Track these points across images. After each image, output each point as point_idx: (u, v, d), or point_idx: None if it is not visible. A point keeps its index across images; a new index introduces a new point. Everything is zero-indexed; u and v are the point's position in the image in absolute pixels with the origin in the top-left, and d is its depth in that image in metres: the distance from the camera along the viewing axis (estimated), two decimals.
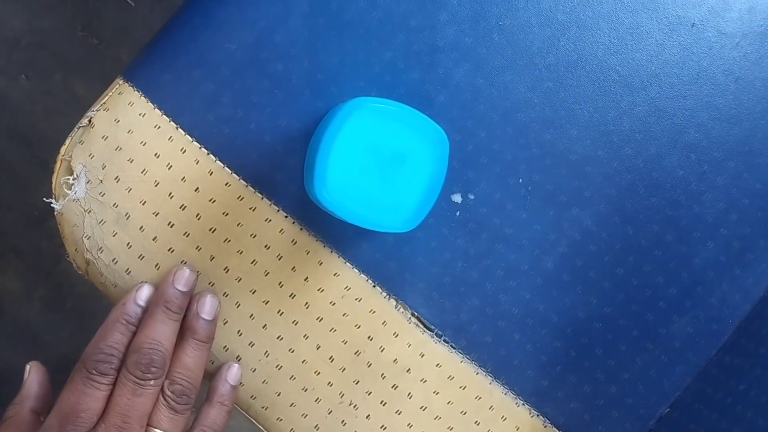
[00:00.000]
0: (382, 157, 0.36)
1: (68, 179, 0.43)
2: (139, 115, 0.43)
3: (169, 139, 0.43)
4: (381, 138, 0.36)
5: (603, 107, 0.45)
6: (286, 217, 0.44)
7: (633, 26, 0.45)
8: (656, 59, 0.45)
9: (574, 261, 0.45)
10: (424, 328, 0.45)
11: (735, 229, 0.46)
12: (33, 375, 0.42)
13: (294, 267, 0.44)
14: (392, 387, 0.45)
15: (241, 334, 0.44)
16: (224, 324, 0.44)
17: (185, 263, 0.43)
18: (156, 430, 0.38)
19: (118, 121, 0.43)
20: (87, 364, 0.38)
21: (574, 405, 0.46)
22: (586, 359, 0.46)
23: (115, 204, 0.43)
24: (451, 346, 0.45)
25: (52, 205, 0.43)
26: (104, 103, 0.43)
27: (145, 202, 0.43)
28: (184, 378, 0.40)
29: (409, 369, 0.45)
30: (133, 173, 0.43)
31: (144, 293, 0.41)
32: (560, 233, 0.45)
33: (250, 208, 0.43)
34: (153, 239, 0.43)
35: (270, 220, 0.44)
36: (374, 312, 0.45)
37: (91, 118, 0.43)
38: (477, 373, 0.45)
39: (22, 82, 0.99)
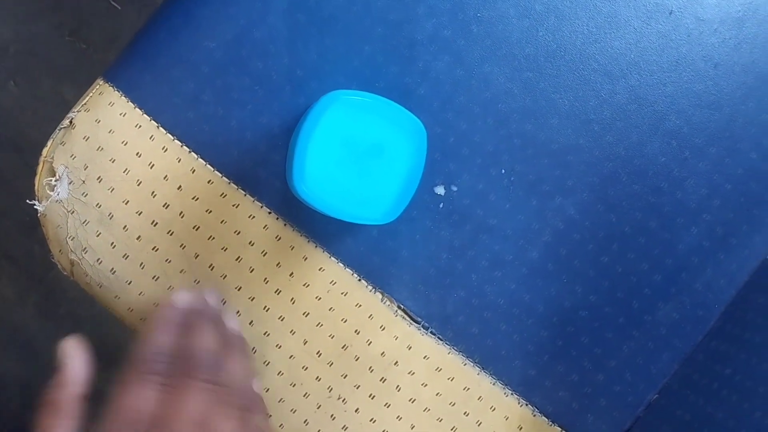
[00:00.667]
0: (359, 150, 0.36)
1: (50, 180, 0.43)
2: (120, 114, 0.43)
3: (150, 138, 0.43)
4: (358, 130, 0.36)
5: (583, 96, 0.45)
6: (269, 213, 0.44)
7: (611, 15, 0.45)
8: (635, 47, 0.45)
9: (558, 250, 0.46)
10: (411, 321, 0.45)
11: (718, 214, 0.46)
12: (76, 355, 0.38)
13: (279, 263, 0.44)
14: (380, 380, 0.45)
15: None
16: None
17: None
18: None
19: (99, 121, 0.43)
20: (140, 365, 0.36)
21: (562, 394, 0.46)
22: (572, 348, 0.46)
23: (98, 204, 0.43)
24: (438, 337, 0.45)
25: (35, 206, 0.43)
26: (85, 104, 0.43)
27: (127, 201, 0.43)
28: (238, 385, 0.38)
29: (396, 362, 0.45)
30: (115, 173, 0.43)
31: (187, 297, 0.40)
32: (544, 223, 0.45)
33: (233, 205, 0.44)
34: (137, 238, 0.43)
35: (253, 217, 0.44)
36: (360, 306, 0.45)
37: (72, 119, 0.43)
38: (465, 364, 0.46)
39: (11, 89, 0.99)
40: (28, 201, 0.43)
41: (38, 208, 0.43)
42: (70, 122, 0.43)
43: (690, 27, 0.45)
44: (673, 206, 0.46)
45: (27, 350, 0.93)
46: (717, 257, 0.46)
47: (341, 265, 0.44)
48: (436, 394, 0.46)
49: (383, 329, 0.45)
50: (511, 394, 0.46)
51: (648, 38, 0.45)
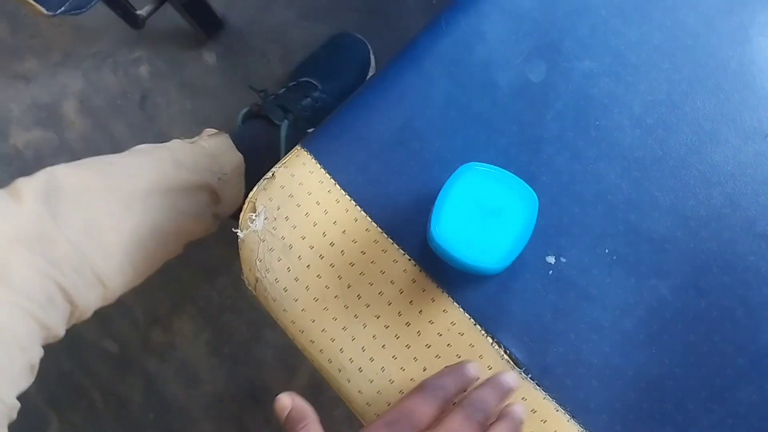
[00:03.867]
0: (484, 209, 0.47)
1: (252, 216, 0.57)
2: (309, 172, 0.57)
3: (328, 191, 0.56)
4: (484, 193, 0.47)
5: (683, 196, 0.53)
6: (409, 260, 0.55)
7: (713, 132, 0.54)
8: (732, 161, 0.53)
9: (650, 324, 0.53)
10: (514, 365, 0.54)
11: None
12: (300, 401, 0.48)
13: (411, 301, 0.55)
14: None
15: (364, 350, 0.55)
16: (352, 340, 0.55)
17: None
18: None
19: (293, 175, 0.57)
20: (427, 385, 0.48)
21: None
22: (656, 412, 0.52)
23: (282, 237, 0.56)
24: (536, 384, 0.53)
25: (237, 233, 0.57)
26: (285, 162, 0.58)
27: (304, 237, 0.56)
28: None
29: None
30: (298, 215, 0.56)
31: (474, 369, 0.51)
32: (639, 299, 0.53)
33: (382, 250, 0.55)
34: (307, 266, 0.56)
35: (397, 261, 0.55)
36: (473, 346, 0.54)
37: (274, 172, 0.57)
38: (557, 410, 0.53)
39: None
40: (233, 230, 0.57)
41: (240, 235, 0.57)
42: (272, 174, 0.57)
43: None
44: (759, 300, 0.52)
45: (192, 380, 1.08)
46: None
47: (461, 310, 0.54)
48: None
49: (490, 369, 0.54)
50: None
51: (745, 154, 0.53)
